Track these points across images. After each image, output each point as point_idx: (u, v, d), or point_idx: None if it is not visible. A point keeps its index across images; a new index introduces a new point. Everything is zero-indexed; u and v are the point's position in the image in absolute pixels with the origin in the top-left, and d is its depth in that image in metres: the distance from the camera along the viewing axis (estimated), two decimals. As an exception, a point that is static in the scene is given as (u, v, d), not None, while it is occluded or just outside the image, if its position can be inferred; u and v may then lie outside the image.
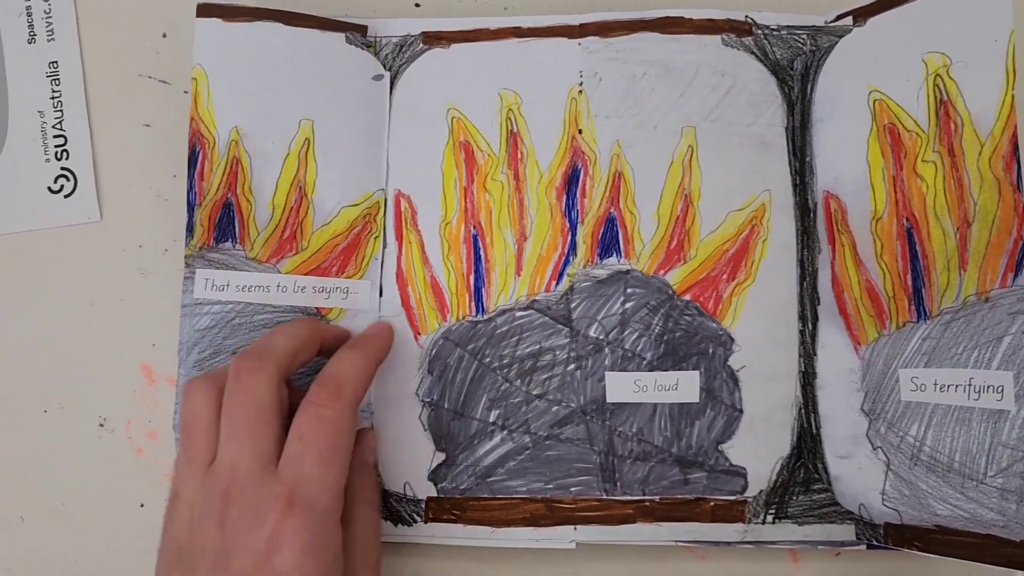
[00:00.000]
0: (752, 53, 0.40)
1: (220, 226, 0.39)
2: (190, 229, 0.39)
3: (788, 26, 0.40)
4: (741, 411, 0.38)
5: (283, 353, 0.34)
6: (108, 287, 0.42)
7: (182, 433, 0.33)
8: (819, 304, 0.38)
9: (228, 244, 0.39)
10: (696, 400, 0.37)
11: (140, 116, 0.43)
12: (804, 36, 0.40)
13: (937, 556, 0.34)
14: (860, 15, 0.38)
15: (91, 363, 0.41)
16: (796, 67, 0.40)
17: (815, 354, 0.38)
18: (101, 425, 0.41)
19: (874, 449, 0.36)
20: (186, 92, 0.43)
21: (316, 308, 0.39)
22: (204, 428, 0.33)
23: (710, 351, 0.38)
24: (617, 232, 0.39)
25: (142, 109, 0.43)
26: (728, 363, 0.38)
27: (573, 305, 0.39)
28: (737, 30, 0.40)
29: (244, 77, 0.39)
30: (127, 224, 0.42)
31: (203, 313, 0.38)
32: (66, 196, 0.42)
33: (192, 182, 0.39)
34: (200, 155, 0.39)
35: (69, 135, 0.42)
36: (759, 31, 0.40)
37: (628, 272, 0.39)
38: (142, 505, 0.41)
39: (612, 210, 0.39)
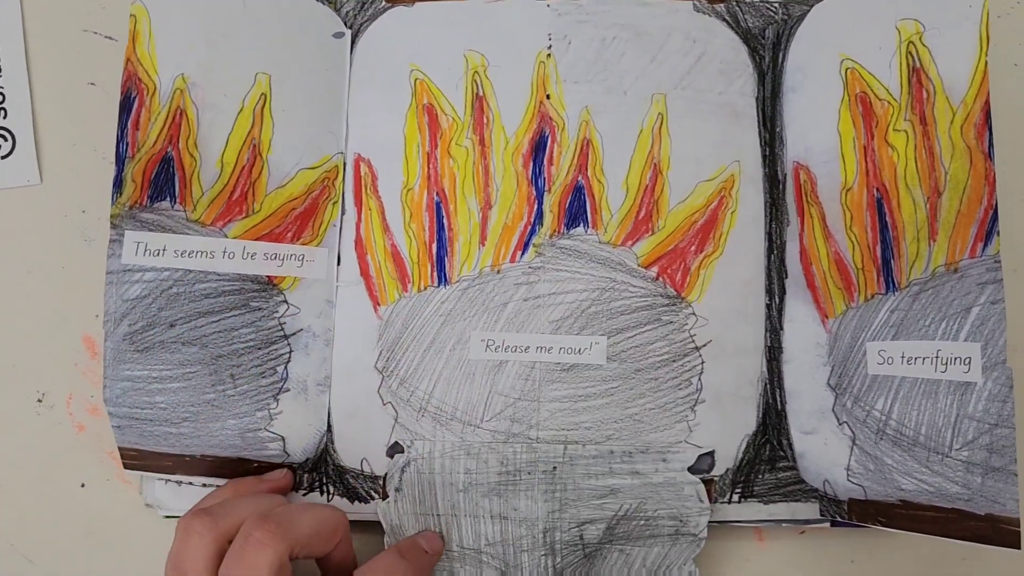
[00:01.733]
0: (724, 20, 0.39)
1: (156, 183, 0.36)
2: (118, 185, 0.35)
3: None
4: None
5: (302, 535, 0.31)
6: (48, 254, 0.40)
7: (170, 571, 0.31)
8: (787, 277, 0.38)
9: (165, 203, 0.36)
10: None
11: (84, 74, 0.41)
12: (776, 5, 0.39)
13: (901, 531, 0.34)
14: None
15: (29, 335, 0.39)
16: (768, 36, 0.39)
17: (782, 328, 0.38)
18: (39, 400, 0.39)
19: (840, 424, 0.36)
20: (133, 50, 0.41)
21: (267, 276, 0.37)
22: None
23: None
24: (585, 201, 0.38)
25: (86, 66, 0.41)
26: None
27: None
28: None
29: (193, 19, 0.37)
30: (69, 188, 0.40)
31: (133, 281, 0.35)
32: (3, 157, 0.40)
33: (124, 131, 0.36)
34: (136, 102, 0.36)
35: (7, 93, 0.40)
36: None
37: None
38: (83, 485, 0.39)
39: (580, 178, 0.38)
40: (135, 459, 0.36)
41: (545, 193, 0.38)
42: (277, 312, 0.37)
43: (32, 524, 0.39)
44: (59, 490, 0.39)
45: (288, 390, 0.37)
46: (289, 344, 0.37)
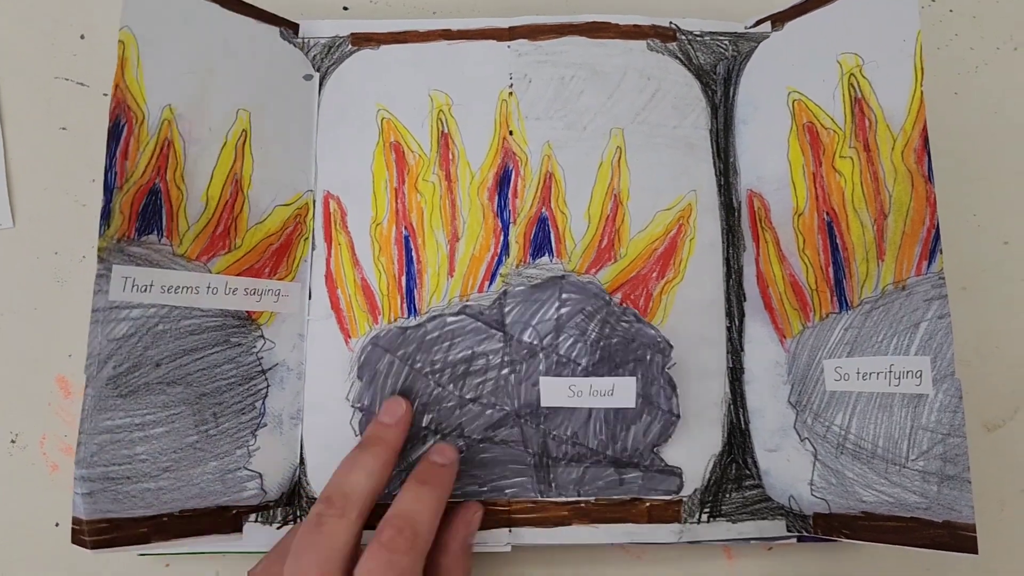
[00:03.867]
0: (676, 58, 0.41)
1: (144, 215, 0.35)
2: (106, 216, 0.34)
3: (711, 32, 0.41)
4: (678, 416, 0.38)
5: (365, 495, 0.33)
6: (21, 296, 0.40)
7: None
8: (745, 300, 0.39)
9: (152, 237, 0.35)
10: (632, 406, 0.37)
11: (56, 119, 0.41)
12: (726, 42, 0.41)
13: (865, 543, 0.35)
14: (778, 20, 0.40)
15: (3, 375, 0.40)
16: (719, 71, 0.41)
17: (742, 349, 0.39)
18: (13, 441, 0.39)
19: (801, 440, 0.37)
20: (105, 95, 0.41)
21: (247, 312, 0.37)
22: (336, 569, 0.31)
23: (648, 357, 0.38)
24: (549, 232, 0.39)
25: (58, 112, 0.41)
26: (666, 370, 0.38)
27: (507, 310, 0.38)
28: (662, 36, 0.41)
29: (179, 52, 0.37)
30: (42, 230, 0.41)
31: (120, 319, 0.34)
32: (-25, 202, 0.40)
33: (112, 160, 0.34)
34: (124, 130, 0.35)
35: (-21, 139, 0.41)
36: (683, 36, 0.41)
37: (563, 277, 0.39)
38: (57, 524, 0.39)
39: (544, 210, 0.39)
40: (105, 532, 0.33)
41: (511, 225, 0.39)
42: (255, 347, 0.37)
43: (6, 563, 0.39)
44: (33, 529, 0.39)
45: (265, 425, 0.37)
46: (267, 379, 0.37)
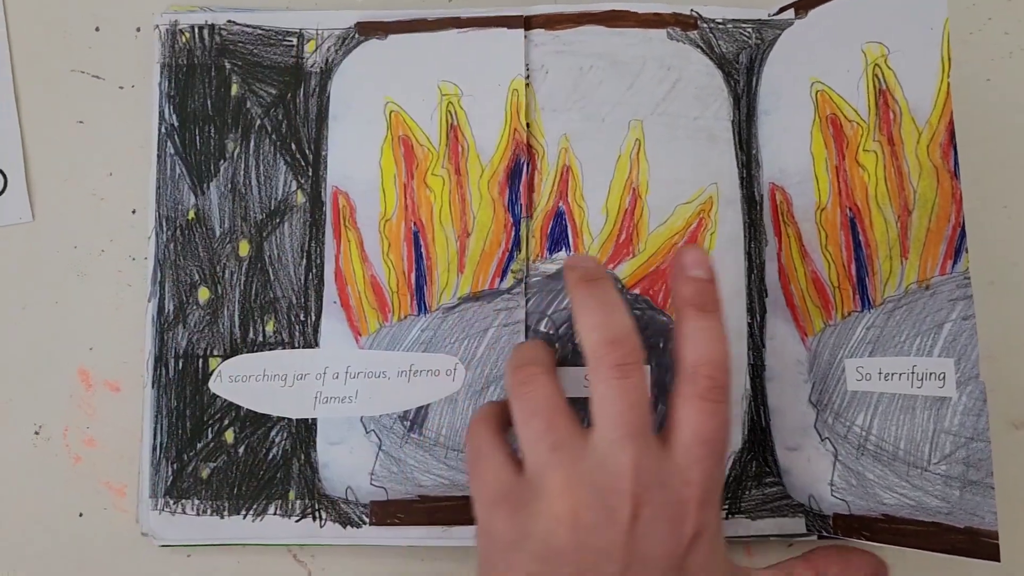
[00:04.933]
0: (698, 46, 0.39)
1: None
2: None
3: (733, 19, 0.40)
4: None
5: (631, 331, 0.31)
6: (42, 289, 0.41)
7: (536, 419, 0.31)
8: (767, 296, 0.38)
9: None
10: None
11: (73, 112, 0.41)
12: (749, 29, 0.40)
13: (884, 545, 0.34)
14: (802, 7, 0.38)
15: (25, 369, 0.40)
16: (741, 60, 0.40)
17: (764, 346, 0.38)
18: (36, 433, 0.40)
19: (822, 440, 0.36)
20: (121, 88, 0.41)
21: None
22: (564, 410, 0.31)
23: (660, 345, 0.38)
24: (566, 226, 0.39)
25: (75, 105, 0.41)
26: None
27: (525, 301, 0.38)
28: (683, 24, 0.39)
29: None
30: (61, 224, 0.41)
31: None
32: (-4, 196, 0.41)
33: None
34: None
35: (-1, 133, 0.41)
36: (704, 24, 0.40)
37: None
38: (81, 515, 0.40)
39: (560, 204, 0.39)
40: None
41: (523, 219, 0.39)
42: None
43: (30, 553, 0.39)
44: (57, 520, 0.40)
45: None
46: None
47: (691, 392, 0.31)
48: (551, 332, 0.38)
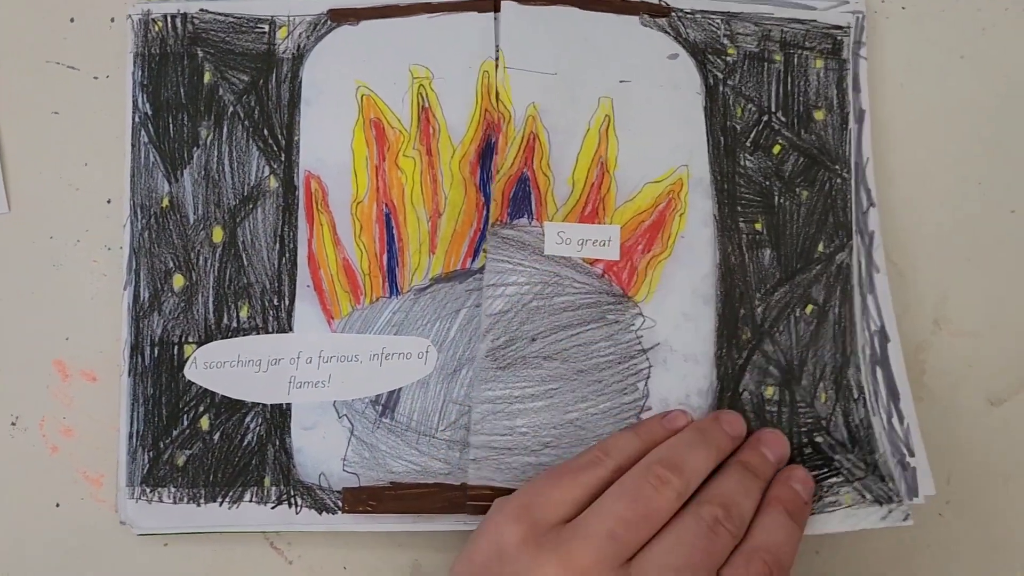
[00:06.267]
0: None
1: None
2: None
3: (702, 11, 0.40)
4: None
5: (697, 475, 0.33)
6: (18, 280, 0.41)
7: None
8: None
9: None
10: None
11: (48, 103, 0.41)
12: (718, 20, 0.40)
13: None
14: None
15: (1, 359, 0.40)
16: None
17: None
18: (13, 424, 0.40)
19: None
20: (96, 78, 0.41)
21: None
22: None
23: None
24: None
25: (50, 96, 0.42)
26: None
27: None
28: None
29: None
30: (37, 215, 0.41)
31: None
32: (-29, 187, 0.41)
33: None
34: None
35: (-27, 125, 0.41)
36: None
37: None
38: (58, 505, 0.40)
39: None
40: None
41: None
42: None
43: (7, 544, 0.39)
44: (34, 510, 0.39)
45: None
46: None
47: (742, 570, 0.31)
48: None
